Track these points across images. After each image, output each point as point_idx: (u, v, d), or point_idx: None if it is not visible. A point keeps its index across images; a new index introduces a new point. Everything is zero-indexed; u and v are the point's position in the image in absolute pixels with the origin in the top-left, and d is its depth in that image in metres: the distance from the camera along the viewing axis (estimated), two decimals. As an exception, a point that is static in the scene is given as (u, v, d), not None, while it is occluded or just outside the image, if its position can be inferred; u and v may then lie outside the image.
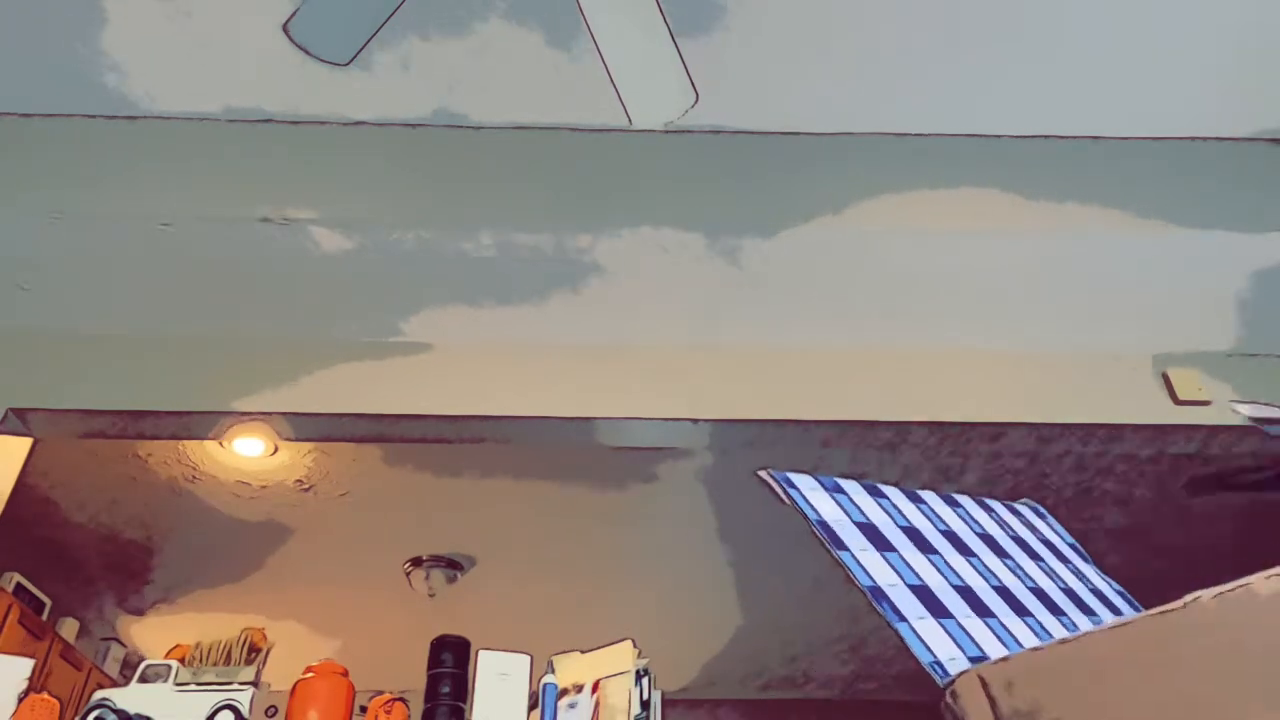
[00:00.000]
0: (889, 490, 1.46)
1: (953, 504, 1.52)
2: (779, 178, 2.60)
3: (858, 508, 1.37)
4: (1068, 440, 2.74)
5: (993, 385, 2.73)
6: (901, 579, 1.25)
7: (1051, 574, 1.45)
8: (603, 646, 1.81)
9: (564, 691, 1.76)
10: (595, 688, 1.73)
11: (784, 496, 1.33)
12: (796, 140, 2.66)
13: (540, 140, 2.63)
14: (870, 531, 1.32)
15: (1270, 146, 2.70)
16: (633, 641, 1.79)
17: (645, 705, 1.69)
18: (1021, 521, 1.58)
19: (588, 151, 2.61)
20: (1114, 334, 2.78)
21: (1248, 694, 0.90)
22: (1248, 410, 2.34)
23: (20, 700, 1.72)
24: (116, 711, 1.75)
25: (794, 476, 1.36)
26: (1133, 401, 2.72)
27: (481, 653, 1.83)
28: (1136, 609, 1.46)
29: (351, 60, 1.93)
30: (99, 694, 1.81)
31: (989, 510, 1.57)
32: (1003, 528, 1.53)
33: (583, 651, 1.83)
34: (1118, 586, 1.53)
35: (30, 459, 2.80)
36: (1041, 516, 1.66)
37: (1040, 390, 2.72)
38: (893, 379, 2.72)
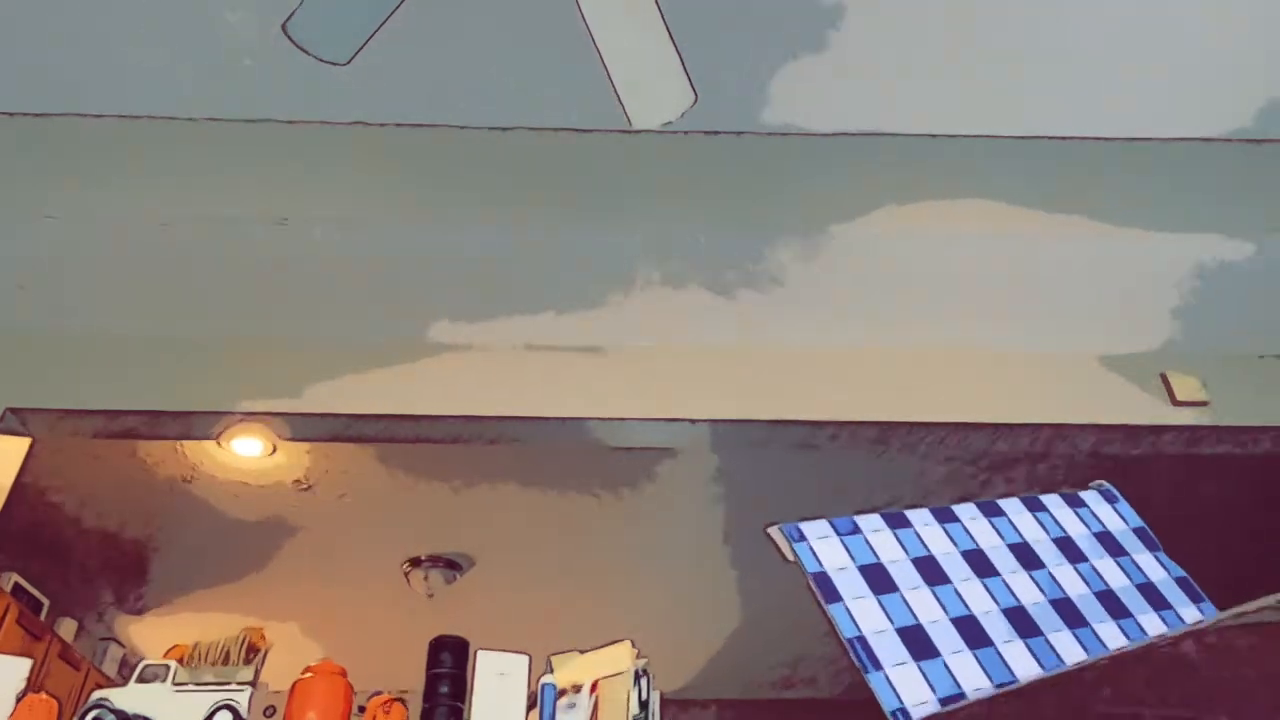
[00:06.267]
0: (915, 515, 1.43)
1: (993, 513, 1.49)
2: (778, 178, 2.60)
3: (870, 548, 1.36)
4: (1068, 441, 2.73)
5: (992, 386, 2.73)
6: (892, 623, 1.26)
7: (1092, 576, 1.43)
8: (602, 646, 1.81)
9: (563, 691, 1.76)
10: (594, 688, 1.73)
11: (789, 554, 1.31)
12: (796, 140, 2.66)
13: (540, 140, 2.63)
14: (874, 574, 1.32)
15: (1272, 147, 2.71)
16: (632, 642, 1.79)
17: (644, 705, 1.69)
18: (1079, 515, 1.55)
19: (588, 151, 2.61)
20: (1112, 334, 2.78)
21: None
22: None
23: (18, 700, 1.72)
24: (115, 711, 1.75)
25: (805, 526, 1.35)
26: (1130, 402, 2.72)
27: (480, 653, 1.82)
28: (1195, 595, 1.44)
29: (351, 60, 1.93)
30: (97, 694, 1.80)
31: (1038, 510, 1.53)
32: (1048, 529, 1.50)
33: (581, 651, 1.83)
34: (1179, 573, 1.49)
35: (29, 459, 2.79)
36: (1111, 501, 1.61)
37: (1039, 390, 2.72)
38: (893, 379, 2.72)
